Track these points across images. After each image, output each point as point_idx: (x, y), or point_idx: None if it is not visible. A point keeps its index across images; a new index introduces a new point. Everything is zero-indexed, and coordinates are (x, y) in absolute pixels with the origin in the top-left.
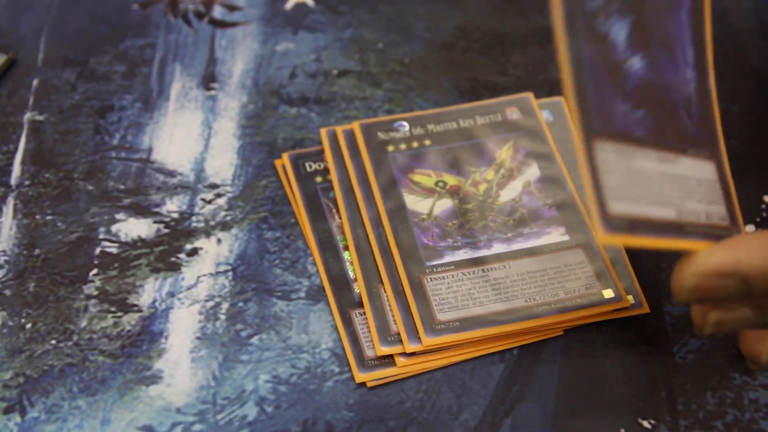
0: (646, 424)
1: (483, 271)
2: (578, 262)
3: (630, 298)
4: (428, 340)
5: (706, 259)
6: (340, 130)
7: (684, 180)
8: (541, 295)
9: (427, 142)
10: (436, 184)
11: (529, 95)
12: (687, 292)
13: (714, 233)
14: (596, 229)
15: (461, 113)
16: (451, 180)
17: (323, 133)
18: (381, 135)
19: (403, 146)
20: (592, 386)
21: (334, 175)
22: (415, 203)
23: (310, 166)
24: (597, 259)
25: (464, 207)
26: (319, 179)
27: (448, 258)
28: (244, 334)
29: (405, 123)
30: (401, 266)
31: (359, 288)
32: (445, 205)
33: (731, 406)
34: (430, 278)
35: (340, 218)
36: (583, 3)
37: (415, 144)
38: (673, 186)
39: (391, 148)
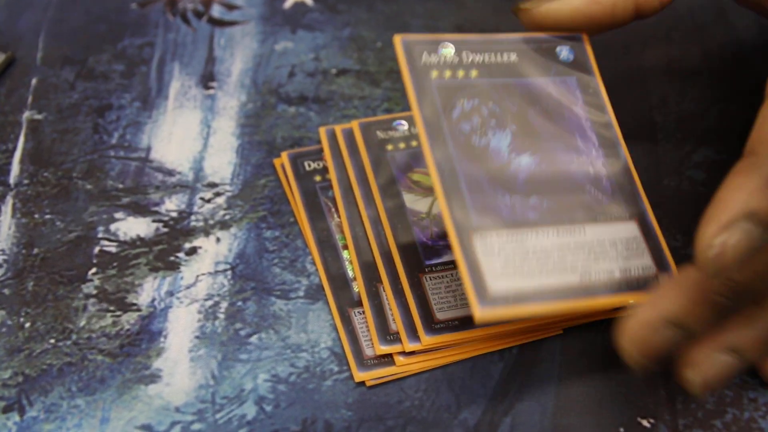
0: (645, 423)
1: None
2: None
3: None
4: (427, 339)
5: (633, 319)
6: (339, 129)
7: (592, 245)
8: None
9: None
10: None
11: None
12: (630, 356)
13: (634, 284)
14: (472, 309)
15: None
16: None
17: (322, 132)
18: (380, 134)
19: (402, 145)
20: (591, 385)
21: (333, 174)
22: (414, 202)
23: (309, 165)
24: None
25: None
26: (318, 178)
27: (447, 257)
28: (243, 333)
29: (404, 122)
30: (400, 265)
31: (358, 287)
32: None
33: (730, 405)
34: (429, 277)
35: (339, 217)
36: (452, 128)
37: (414, 143)
38: (578, 254)
39: (390, 147)
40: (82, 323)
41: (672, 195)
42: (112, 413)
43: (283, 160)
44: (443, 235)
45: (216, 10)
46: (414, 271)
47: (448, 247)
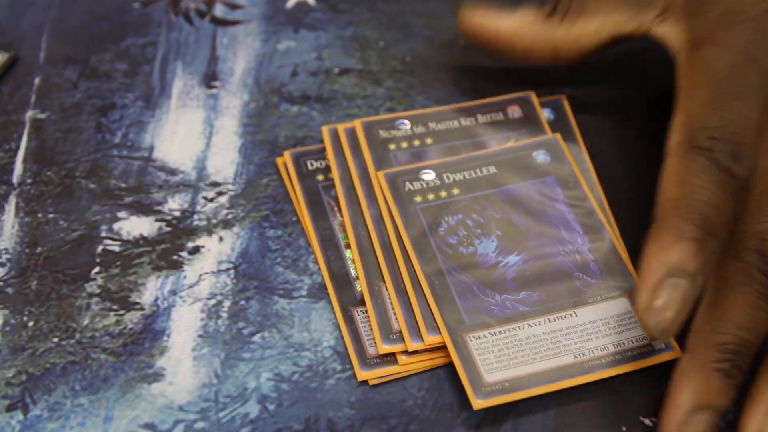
0: (647, 421)
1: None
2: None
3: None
4: (430, 338)
5: (667, 420)
6: (341, 128)
7: (585, 326)
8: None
9: (429, 141)
10: None
11: (531, 94)
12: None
13: (629, 356)
14: (470, 400)
15: (462, 111)
16: None
17: (325, 131)
18: (383, 133)
19: (404, 144)
20: (593, 384)
21: (335, 173)
22: None
23: (312, 164)
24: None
25: None
26: (320, 177)
27: None
28: (246, 332)
29: (406, 121)
30: (403, 264)
31: (361, 286)
32: None
33: (733, 403)
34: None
35: (342, 216)
36: (439, 242)
37: (416, 142)
38: (570, 336)
39: (392, 146)
40: (86, 322)
41: None
42: (115, 412)
43: (286, 159)
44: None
45: (218, 10)
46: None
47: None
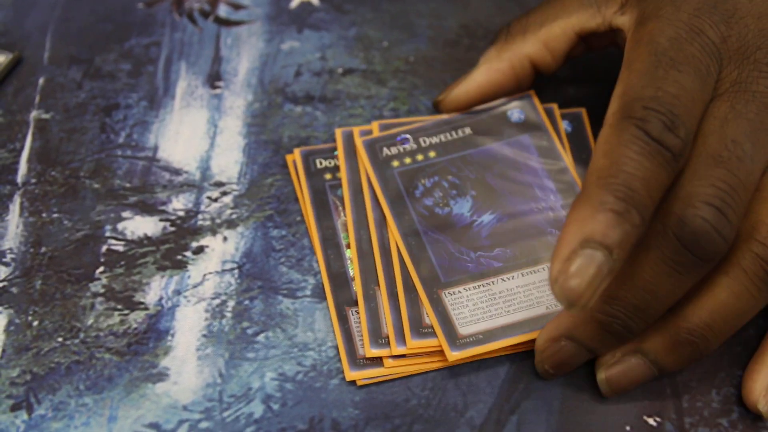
0: (651, 421)
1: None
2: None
3: None
4: (413, 343)
5: (541, 333)
6: (357, 130)
7: None
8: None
9: (432, 154)
10: None
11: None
12: (539, 365)
13: None
14: (445, 353)
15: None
16: None
17: (338, 133)
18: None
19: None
20: (597, 384)
21: (343, 174)
22: None
23: (320, 163)
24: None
25: None
26: (328, 176)
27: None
28: (250, 331)
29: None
30: (398, 267)
31: (356, 288)
32: None
33: (736, 403)
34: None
35: (345, 217)
36: (416, 204)
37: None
38: (542, 289)
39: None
40: (90, 322)
41: None
42: (119, 412)
43: (296, 156)
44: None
45: (222, 10)
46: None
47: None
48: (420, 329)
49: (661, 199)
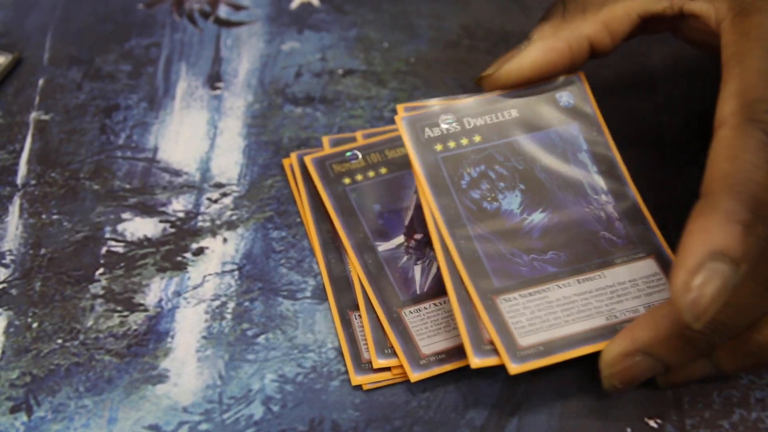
0: (652, 423)
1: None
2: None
3: None
4: (476, 362)
5: (610, 347)
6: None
7: (614, 287)
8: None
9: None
10: None
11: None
12: (607, 381)
13: None
14: (506, 366)
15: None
16: None
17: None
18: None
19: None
20: (598, 386)
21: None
22: None
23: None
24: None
25: None
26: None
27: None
28: (250, 333)
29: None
30: (446, 273)
31: (358, 299)
32: None
33: (737, 405)
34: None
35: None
36: (462, 197)
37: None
38: (600, 297)
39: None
40: (90, 323)
41: (679, 195)
42: (119, 413)
43: (292, 160)
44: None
45: (222, 11)
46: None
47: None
48: (482, 346)
49: None
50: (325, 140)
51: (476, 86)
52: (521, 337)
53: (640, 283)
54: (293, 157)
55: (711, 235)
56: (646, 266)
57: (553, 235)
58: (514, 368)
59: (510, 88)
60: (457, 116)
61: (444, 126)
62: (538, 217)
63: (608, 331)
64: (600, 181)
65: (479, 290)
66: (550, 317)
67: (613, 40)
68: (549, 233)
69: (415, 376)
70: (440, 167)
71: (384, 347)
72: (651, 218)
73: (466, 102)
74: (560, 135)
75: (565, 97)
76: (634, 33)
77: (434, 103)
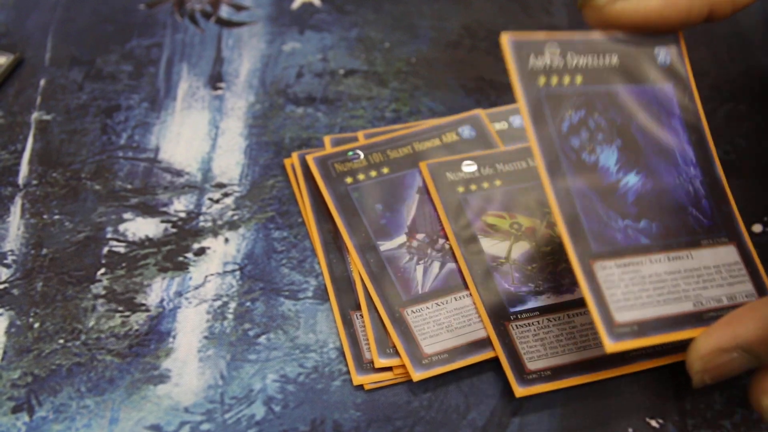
0: (654, 423)
1: (568, 317)
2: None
3: None
4: (417, 375)
5: (706, 340)
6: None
7: (700, 271)
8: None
9: (498, 182)
10: (511, 226)
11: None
12: (698, 376)
13: None
14: (602, 341)
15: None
16: (526, 222)
17: (506, 43)
18: (450, 175)
19: (473, 187)
20: (600, 386)
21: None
22: (492, 246)
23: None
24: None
25: (542, 250)
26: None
27: (532, 303)
28: (251, 333)
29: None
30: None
31: (360, 299)
32: (524, 247)
33: (739, 405)
34: (516, 325)
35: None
36: (563, 143)
37: (485, 185)
38: (688, 280)
39: (461, 188)
40: (91, 323)
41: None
42: (121, 413)
43: (294, 160)
44: (526, 281)
45: (224, 11)
46: (499, 319)
47: (531, 294)
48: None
49: None
50: (327, 140)
51: (476, 87)
52: (617, 312)
53: (723, 271)
54: (295, 156)
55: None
56: (729, 253)
57: (646, 202)
58: (610, 345)
59: (613, 27)
60: (562, 48)
61: (548, 56)
62: (633, 180)
63: (695, 319)
64: (690, 152)
65: (578, 254)
66: (643, 294)
67: (734, 6)
68: (643, 199)
69: (417, 375)
70: (543, 104)
71: (386, 347)
72: (734, 203)
73: (572, 36)
74: (656, 94)
75: (662, 53)
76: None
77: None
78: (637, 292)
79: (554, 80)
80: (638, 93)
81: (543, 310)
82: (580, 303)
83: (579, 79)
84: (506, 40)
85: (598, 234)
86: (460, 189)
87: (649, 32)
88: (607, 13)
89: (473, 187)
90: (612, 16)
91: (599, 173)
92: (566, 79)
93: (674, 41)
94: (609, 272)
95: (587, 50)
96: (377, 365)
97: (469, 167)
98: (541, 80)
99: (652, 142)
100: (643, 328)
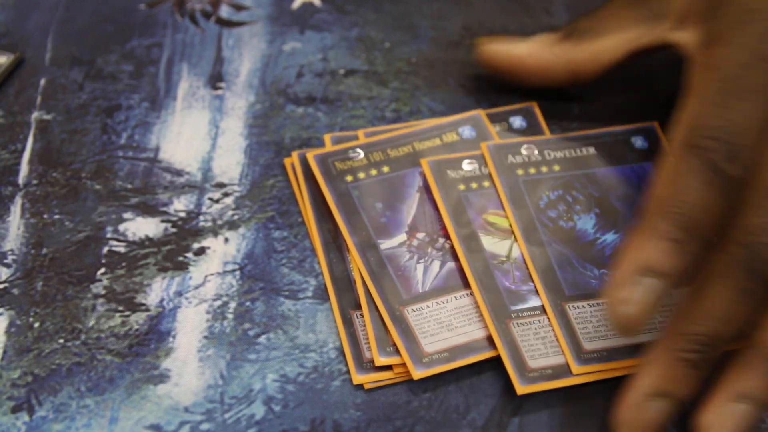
0: None
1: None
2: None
3: None
4: (417, 374)
5: (621, 409)
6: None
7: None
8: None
9: (556, 167)
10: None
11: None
12: None
13: None
14: (570, 364)
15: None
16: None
17: (485, 147)
18: (451, 173)
19: (474, 185)
20: (599, 385)
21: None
22: (493, 245)
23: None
24: None
25: None
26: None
27: (533, 302)
28: (251, 333)
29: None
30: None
31: (360, 297)
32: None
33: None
34: (517, 323)
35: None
36: (540, 215)
37: (486, 183)
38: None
39: (462, 186)
40: (91, 323)
41: None
42: (121, 413)
43: (294, 159)
44: (526, 280)
45: (224, 11)
46: (501, 317)
47: (532, 292)
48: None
49: (718, 228)
50: (327, 138)
51: (477, 87)
52: (586, 341)
53: None
54: (295, 156)
55: (641, 251)
56: None
57: None
58: (576, 368)
59: (489, 68)
60: (539, 148)
61: (525, 152)
62: (611, 237)
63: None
64: None
65: (550, 297)
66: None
67: (597, 69)
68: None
69: (417, 374)
70: (521, 188)
71: (386, 345)
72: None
73: (547, 137)
74: (635, 170)
75: (639, 141)
76: (620, 63)
77: (516, 140)
78: (608, 326)
79: (532, 170)
80: (617, 171)
81: (544, 309)
82: (580, 299)
83: (557, 167)
84: (485, 145)
85: (572, 282)
86: (461, 187)
87: (517, 79)
88: (483, 51)
89: (474, 185)
90: (486, 56)
91: (577, 235)
92: (544, 169)
93: (652, 130)
94: (581, 311)
95: (563, 147)
96: (377, 363)
97: (469, 165)
98: (519, 171)
99: (633, 208)
100: (612, 353)
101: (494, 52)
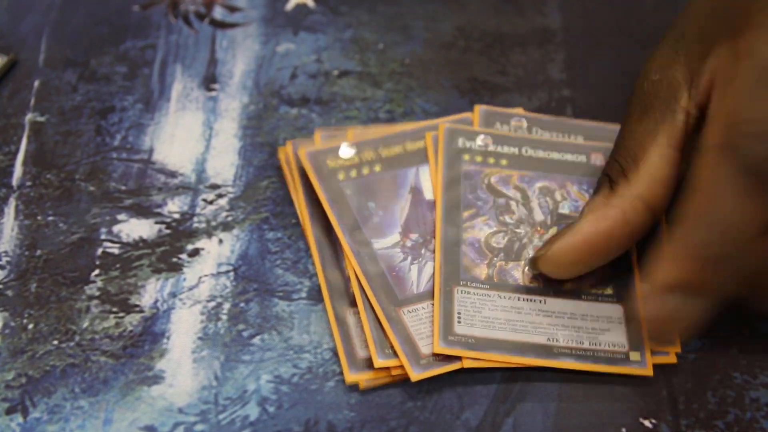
0: (647, 423)
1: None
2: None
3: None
4: (416, 375)
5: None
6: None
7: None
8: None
9: (504, 162)
10: None
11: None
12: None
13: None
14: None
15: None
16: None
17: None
18: (330, 162)
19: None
20: (593, 386)
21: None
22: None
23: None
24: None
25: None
26: (341, 176)
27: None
28: (245, 334)
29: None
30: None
31: (356, 297)
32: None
33: (732, 405)
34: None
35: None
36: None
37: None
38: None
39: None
40: (85, 325)
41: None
42: (115, 414)
43: (287, 149)
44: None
45: (218, 12)
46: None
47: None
48: (420, 360)
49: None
50: (317, 134)
51: (470, 88)
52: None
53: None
54: (289, 145)
55: (675, 267)
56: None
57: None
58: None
59: (565, 269)
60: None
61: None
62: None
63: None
64: None
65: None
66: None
67: (666, 187)
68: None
69: (415, 375)
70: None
71: (384, 347)
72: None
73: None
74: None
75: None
76: (681, 161)
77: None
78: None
79: (478, 159)
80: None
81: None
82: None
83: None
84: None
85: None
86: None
87: (597, 264)
88: (547, 259)
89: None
90: (553, 260)
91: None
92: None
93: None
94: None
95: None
96: (376, 365)
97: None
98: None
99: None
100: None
101: (557, 255)
